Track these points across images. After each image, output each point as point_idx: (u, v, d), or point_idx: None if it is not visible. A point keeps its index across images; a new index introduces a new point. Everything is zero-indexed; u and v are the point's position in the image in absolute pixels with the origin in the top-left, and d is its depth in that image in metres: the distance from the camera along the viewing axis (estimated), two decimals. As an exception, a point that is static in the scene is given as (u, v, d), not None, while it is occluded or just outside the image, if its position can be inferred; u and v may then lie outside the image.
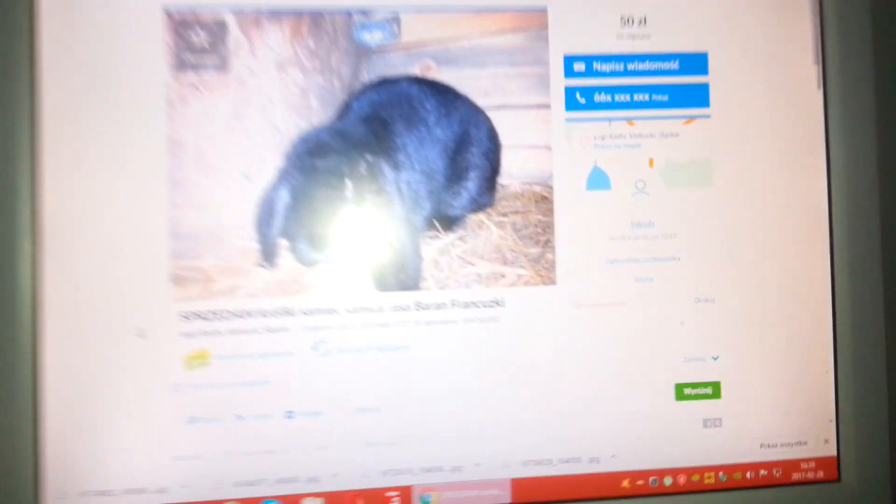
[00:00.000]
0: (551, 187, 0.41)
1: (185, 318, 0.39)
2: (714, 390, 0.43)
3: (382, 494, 0.41)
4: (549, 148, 0.41)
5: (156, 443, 0.40)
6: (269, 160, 0.40)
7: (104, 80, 0.39)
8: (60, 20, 0.39)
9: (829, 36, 0.43)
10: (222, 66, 0.40)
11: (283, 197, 0.39)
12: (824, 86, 0.44)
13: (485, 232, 0.40)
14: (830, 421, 0.44)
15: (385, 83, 0.39)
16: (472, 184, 0.40)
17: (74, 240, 0.39)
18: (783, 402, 0.43)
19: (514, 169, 0.41)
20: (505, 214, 0.40)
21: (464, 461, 0.42)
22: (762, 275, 0.43)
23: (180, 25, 0.40)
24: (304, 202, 0.40)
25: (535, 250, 0.41)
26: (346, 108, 0.38)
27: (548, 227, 0.41)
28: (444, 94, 0.39)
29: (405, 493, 0.41)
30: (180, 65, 0.40)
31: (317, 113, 0.39)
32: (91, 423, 0.39)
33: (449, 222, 0.40)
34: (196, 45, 0.40)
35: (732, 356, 0.43)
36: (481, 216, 0.40)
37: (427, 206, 0.40)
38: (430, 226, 0.40)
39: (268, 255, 0.40)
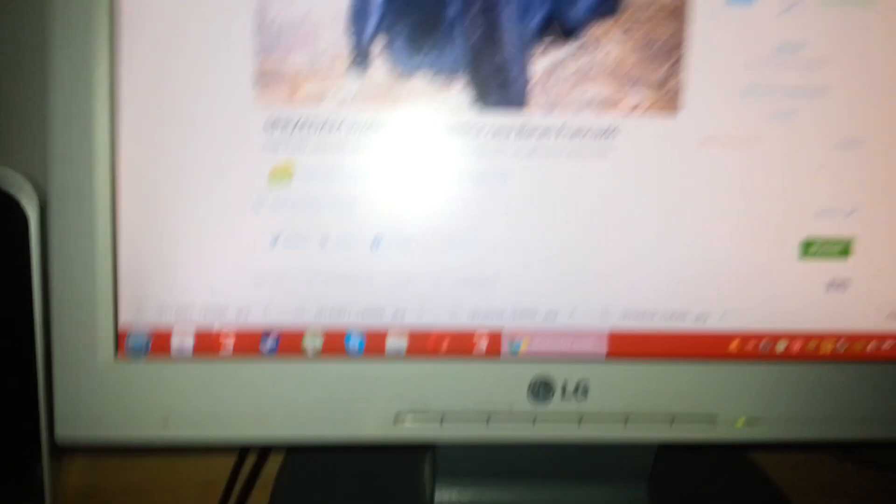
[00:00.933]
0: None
1: (269, 127, 0.36)
2: (845, 248, 0.38)
3: (470, 337, 0.38)
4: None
5: (237, 261, 0.37)
6: None
7: None
8: None
9: None
10: None
11: None
12: None
13: (605, 46, 0.35)
14: (968, 294, 0.39)
15: None
16: None
17: (151, 36, 0.35)
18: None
19: None
20: (630, 27, 0.35)
21: (560, 306, 0.38)
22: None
23: None
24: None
25: (660, 72, 0.36)
26: None
27: (678, 46, 0.36)
28: None
29: (494, 337, 0.38)
30: None
31: None
32: (170, 241, 0.36)
33: (565, 30, 0.35)
34: None
35: (870, 211, 0.38)
36: (603, 27, 0.35)
37: (542, 8, 0.35)
38: (544, 33, 0.35)
39: (361, 56, 0.35)
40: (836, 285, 0.38)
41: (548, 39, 0.35)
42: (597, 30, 0.35)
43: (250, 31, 0.35)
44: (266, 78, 0.35)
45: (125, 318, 0.37)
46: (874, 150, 0.37)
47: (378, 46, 0.35)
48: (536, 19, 0.35)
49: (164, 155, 0.36)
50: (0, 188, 0.37)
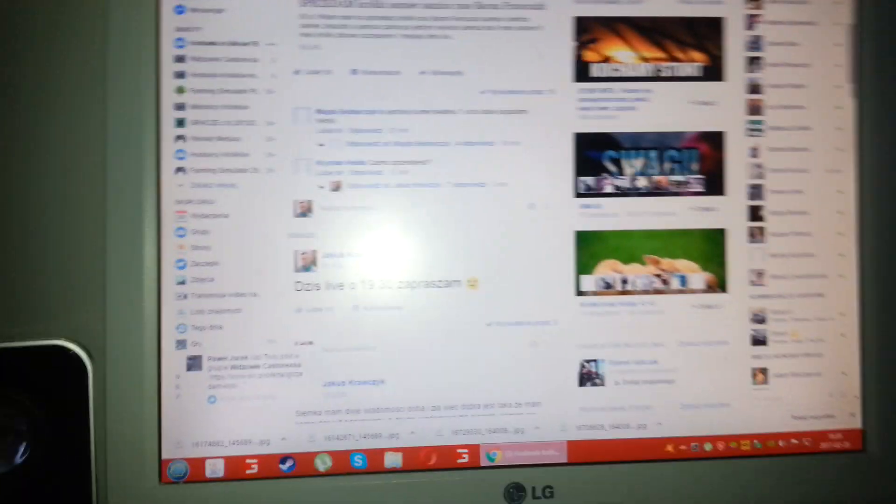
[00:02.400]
0: None
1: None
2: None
3: (454, 451, 0.46)
4: None
5: (259, 399, 0.46)
6: None
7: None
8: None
9: None
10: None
11: None
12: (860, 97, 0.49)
13: None
14: (856, 397, 0.48)
15: None
16: None
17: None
18: (814, 380, 0.48)
19: None
20: None
21: (526, 425, 0.47)
22: (794, 265, 0.48)
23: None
24: None
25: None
26: None
27: None
28: None
29: (473, 450, 0.46)
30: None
31: None
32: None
33: None
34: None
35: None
36: None
37: None
38: None
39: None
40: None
41: None
42: None
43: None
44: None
45: (167, 452, 0.45)
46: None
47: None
48: None
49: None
50: (64, 349, 0.45)
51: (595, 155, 0.47)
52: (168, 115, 0.45)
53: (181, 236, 0.45)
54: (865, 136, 0.48)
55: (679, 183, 0.48)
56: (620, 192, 0.47)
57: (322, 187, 0.46)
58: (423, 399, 0.46)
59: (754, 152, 0.48)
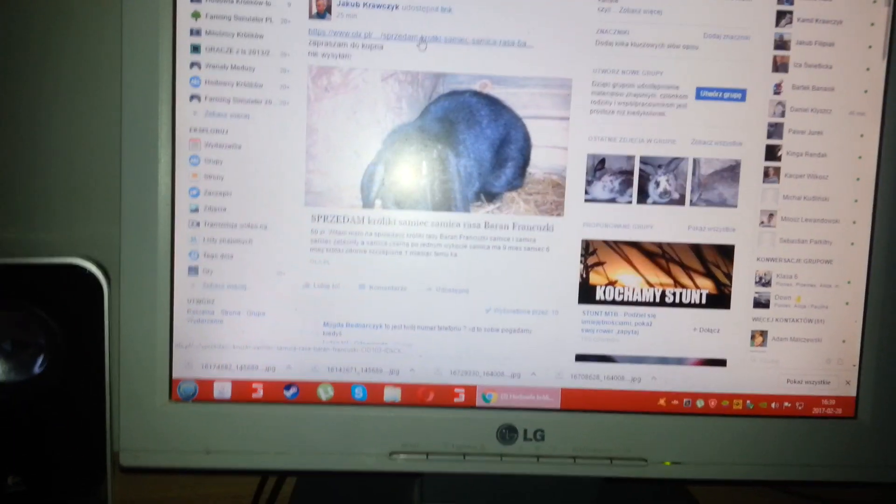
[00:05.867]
0: (564, 177, 0.48)
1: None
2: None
3: (451, 390, 0.48)
4: (565, 149, 0.48)
5: (267, 330, 0.47)
6: (372, 144, 0.47)
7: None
8: None
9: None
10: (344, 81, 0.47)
11: (380, 170, 0.48)
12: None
13: (515, 205, 0.48)
14: (854, 366, 0.49)
15: (454, 94, 0.48)
16: (509, 171, 0.48)
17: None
18: (812, 346, 0.48)
19: (540, 162, 0.48)
20: (530, 194, 0.48)
21: (522, 369, 0.48)
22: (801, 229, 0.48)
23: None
24: (394, 175, 0.48)
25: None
26: (426, 111, 0.47)
27: (559, 206, 0.48)
28: (495, 105, 0.48)
29: (470, 391, 0.48)
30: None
31: (406, 113, 0.47)
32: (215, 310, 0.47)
33: (491, 197, 0.49)
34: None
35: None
36: (514, 194, 0.48)
37: (477, 184, 0.48)
38: (478, 198, 0.49)
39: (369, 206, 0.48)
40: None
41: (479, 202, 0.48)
42: (510, 195, 0.48)
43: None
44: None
45: (177, 371, 0.47)
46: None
47: (378, 204, 0.47)
48: (471, 193, 0.48)
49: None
50: (81, 268, 0.47)
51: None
52: (184, 41, 0.45)
53: (195, 164, 0.46)
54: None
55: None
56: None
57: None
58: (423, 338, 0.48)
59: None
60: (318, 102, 0.46)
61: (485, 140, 0.47)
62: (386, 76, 0.47)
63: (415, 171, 0.47)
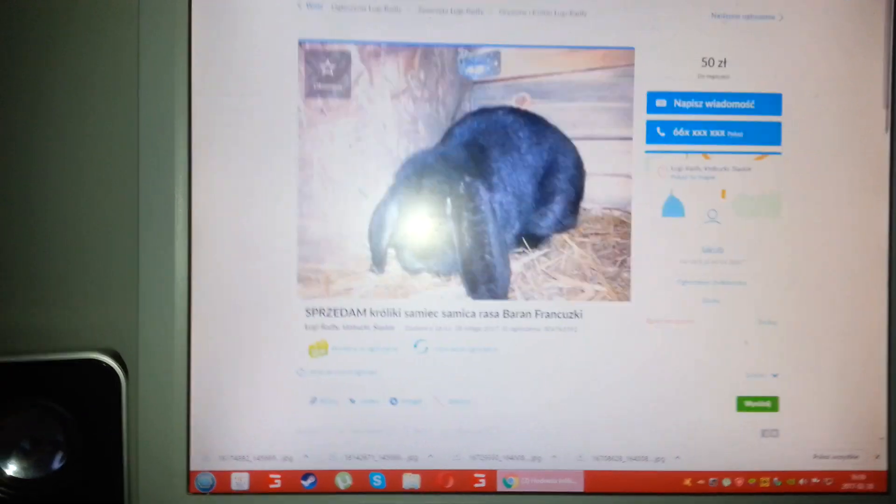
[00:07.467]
0: (629, 213, 0.45)
1: (309, 313, 0.46)
2: (773, 404, 0.47)
3: (471, 475, 0.47)
4: (629, 177, 0.45)
5: (283, 418, 0.47)
6: (382, 179, 0.45)
7: (247, 104, 0.46)
8: (210, 52, 0.46)
9: (899, 81, 0.47)
10: (345, 93, 0.46)
11: (393, 211, 0.44)
12: (892, 129, 0.47)
13: (567, 250, 0.44)
14: (882, 438, 0.47)
15: (484, 112, 0.42)
16: (557, 206, 0.43)
17: (220, 243, 0.46)
18: (837, 419, 0.47)
19: (597, 195, 0.44)
20: (586, 235, 0.44)
21: (543, 452, 0.47)
22: (822, 301, 0.47)
23: (311, 55, 0.46)
24: (411, 216, 0.45)
25: (612, 269, 0.46)
26: (449, 134, 0.42)
27: (625, 249, 0.45)
28: (537, 125, 0.42)
29: (490, 475, 0.47)
30: (310, 91, 0.46)
31: (423, 138, 0.43)
32: (231, 400, 0.47)
33: (535, 240, 0.43)
34: (323, 74, 0.46)
35: (791, 374, 0.47)
36: (565, 236, 0.44)
37: (517, 225, 0.43)
38: (519, 242, 0.43)
39: (378, 261, 0.46)
40: (769, 433, 0.47)
41: (521, 249, 0.45)
42: (560, 238, 0.45)
43: (295, 242, 0.46)
44: (306, 278, 0.46)
45: (195, 464, 0.47)
46: (787, 327, 0.47)
47: (390, 254, 0.45)
48: (510, 235, 0.45)
49: (227, 337, 0.46)
50: (99, 362, 0.47)
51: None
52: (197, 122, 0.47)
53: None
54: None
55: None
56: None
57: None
58: (443, 420, 0.47)
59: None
60: (312, 129, 0.43)
61: (525, 169, 0.41)
62: (397, 93, 0.42)
63: (436, 211, 0.42)
